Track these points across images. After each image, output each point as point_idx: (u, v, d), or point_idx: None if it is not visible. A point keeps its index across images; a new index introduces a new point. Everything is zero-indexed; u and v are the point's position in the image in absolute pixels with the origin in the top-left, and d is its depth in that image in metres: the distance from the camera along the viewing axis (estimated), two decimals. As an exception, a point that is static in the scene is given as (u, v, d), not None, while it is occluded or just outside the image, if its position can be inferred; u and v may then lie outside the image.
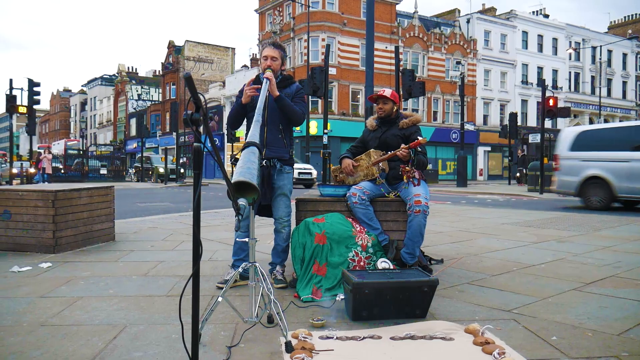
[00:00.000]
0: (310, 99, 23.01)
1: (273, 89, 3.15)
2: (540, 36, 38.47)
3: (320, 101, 26.69)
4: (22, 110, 18.38)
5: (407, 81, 13.48)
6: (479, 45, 35.29)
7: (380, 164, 3.57)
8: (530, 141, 21.45)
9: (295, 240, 3.31)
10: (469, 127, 30.08)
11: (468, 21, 35.87)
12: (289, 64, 29.98)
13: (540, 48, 38.56)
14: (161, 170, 25.87)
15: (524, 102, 37.94)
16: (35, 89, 18.38)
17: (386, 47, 30.68)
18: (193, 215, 1.76)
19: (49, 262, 4.00)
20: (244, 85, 3.23)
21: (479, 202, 12.82)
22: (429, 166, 27.33)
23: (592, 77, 41.02)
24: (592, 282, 3.48)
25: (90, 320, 2.60)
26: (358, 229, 3.39)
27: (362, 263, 3.24)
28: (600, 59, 38.83)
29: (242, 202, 2.17)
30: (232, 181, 2.18)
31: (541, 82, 16.66)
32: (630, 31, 47.27)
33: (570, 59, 39.52)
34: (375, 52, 16.74)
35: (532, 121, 36.88)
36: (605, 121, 37.08)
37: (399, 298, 2.61)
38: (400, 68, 14.21)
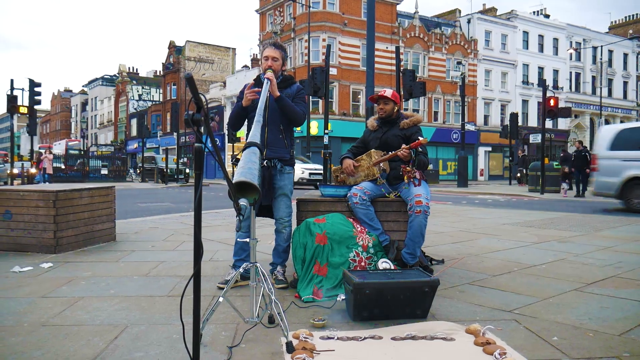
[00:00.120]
0: (311, 99, 23.00)
1: (274, 90, 3.15)
2: (541, 36, 38.44)
3: (321, 101, 26.70)
4: (23, 110, 18.38)
5: (407, 81, 13.49)
6: (479, 45, 35.27)
7: (381, 164, 3.57)
8: (531, 141, 21.49)
9: (296, 241, 3.31)
10: (469, 127, 30.03)
11: (469, 21, 35.85)
12: (290, 64, 29.98)
13: (541, 48, 38.52)
14: (168, 168, 25.63)
15: (525, 103, 37.91)
16: (36, 89, 18.38)
17: (387, 48, 30.66)
18: (194, 216, 1.76)
19: (50, 262, 4.00)
20: (245, 86, 3.23)
21: (480, 202, 12.81)
22: (430, 166, 27.38)
23: (593, 77, 40.98)
24: (593, 283, 3.48)
25: (91, 320, 2.60)
26: (359, 229, 3.39)
27: (363, 263, 3.24)
28: (601, 59, 38.79)
29: (243, 202, 2.17)
30: (233, 181, 2.18)
31: (542, 82, 16.67)
32: (631, 31, 47.31)
33: (571, 59, 39.48)
34: (376, 53, 16.78)
35: (532, 121, 36.86)
36: (607, 121, 37.05)
37: (400, 298, 2.61)
38: (401, 68, 14.19)
